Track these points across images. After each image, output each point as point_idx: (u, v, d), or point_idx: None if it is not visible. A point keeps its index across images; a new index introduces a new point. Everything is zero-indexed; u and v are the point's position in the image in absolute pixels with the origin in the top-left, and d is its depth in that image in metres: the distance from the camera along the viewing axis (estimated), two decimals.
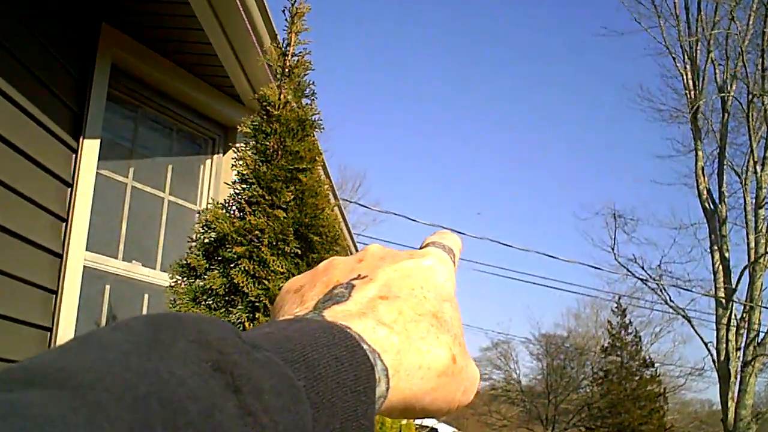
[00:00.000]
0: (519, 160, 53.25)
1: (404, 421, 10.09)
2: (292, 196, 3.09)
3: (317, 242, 3.11)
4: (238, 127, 3.41)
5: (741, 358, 18.31)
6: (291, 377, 0.29)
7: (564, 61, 52.73)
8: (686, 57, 20.33)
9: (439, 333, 0.40)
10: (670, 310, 21.30)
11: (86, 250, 3.48)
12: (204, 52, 3.91)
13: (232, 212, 3.17)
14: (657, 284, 20.97)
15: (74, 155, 3.44)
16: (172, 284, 3.12)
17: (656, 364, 29.11)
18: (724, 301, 18.85)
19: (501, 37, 53.31)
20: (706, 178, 20.02)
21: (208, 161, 4.64)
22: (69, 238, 3.35)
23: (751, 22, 18.88)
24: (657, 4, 20.46)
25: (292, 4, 3.43)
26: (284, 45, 3.40)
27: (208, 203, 3.84)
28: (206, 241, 3.14)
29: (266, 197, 3.08)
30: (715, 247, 19.45)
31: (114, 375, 0.23)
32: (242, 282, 2.92)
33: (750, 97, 19.00)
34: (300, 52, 3.39)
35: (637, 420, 26.89)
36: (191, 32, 3.73)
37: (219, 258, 3.09)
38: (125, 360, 0.24)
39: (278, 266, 2.97)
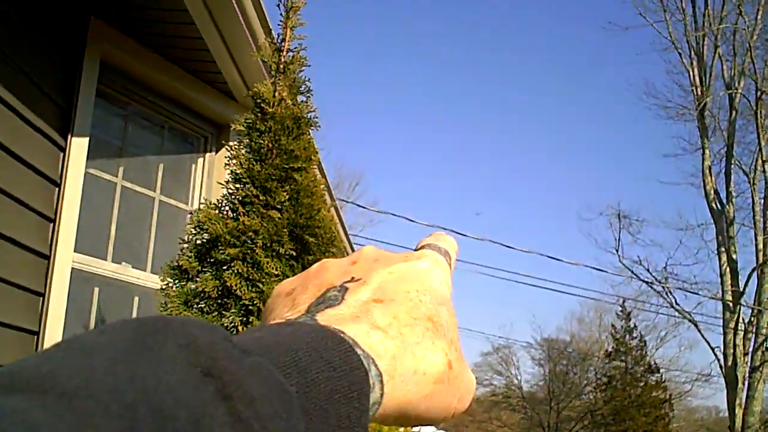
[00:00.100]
0: (520, 159, 53.31)
1: (401, 430, 10.08)
2: (287, 196, 3.09)
3: (313, 244, 3.11)
4: (232, 124, 3.41)
5: (749, 364, 18.33)
6: (282, 383, 0.29)
7: (566, 59, 52.81)
8: (693, 52, 20.37)
9: (435, 338, 0.40)
10: (676, 314, 21.35)
11: (74, 251, 3.47)
12: (196, 48, 3.91)
13: (225, 213, 3.16)
14: (662, 287, 21.02)
15: (62, 153, 3.43)
16: (163, 287, 3.11)
17: (662, 370, 29.13)
18: (731, 304, 18.87)
19: (503, 35, 53.37)
20: (713, 178, 20.05)
21: (200, 160, 4.64)
22: (56, 239, 3.34)
23: (759, 17, 18.94)
24: None
25: None
26: (279, 40, 3.40)
27: (200, 203, 3.84)
28: (198, 242, 3.14)
29: (260, 197, 3.08)
30: (723, 249, 19.48)
31: (100, 381, 0.23)
32: (235, 285, 2.92)
33: (758, 93, 19.04)
34: (295, 48, 3.39)
35: (642, 427, 26.90)
36: (183, 27, 3.73)
37: (211, 260, 3.09)
38: (112, 365, 0.24)
39: (273, 268, 2.96)
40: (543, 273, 60.82)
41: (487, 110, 52.90)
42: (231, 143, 3.36)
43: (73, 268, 3.48)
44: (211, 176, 4.58)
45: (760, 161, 19.13)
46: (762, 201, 19.34)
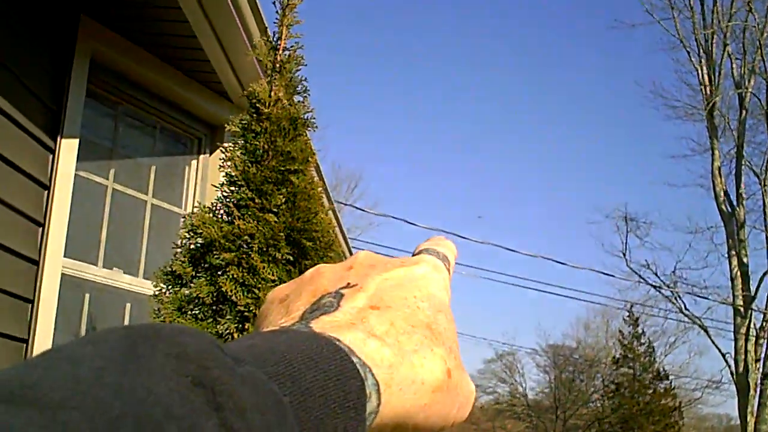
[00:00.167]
0: (524, 161, 53.33)
1: None
2: (283, 199, 3.09)
3: (310, 248, 3.11)
4: (226, 125, 3.42)
5: (761, 370, 18.33)
6: (276, 393, 0.29)
7: (570, 58, 52.88)
8: (701, 51, 20.42)
9: (434, 345, 0.40)
10: (686, 319, 21.36)
11: (64, 256, 3.47)
12: (189, 46, 3.92)
13: (219, 216, 3.16)
14: (671, 292, 21.03)
15: (51, 155, 3.43)
16: (156, 293, 3.11)
17: (671, 377, 29.11)
18: (742, 309, 18.87)
19: (505, 35, 53.43)
20: (723, 179, 20.07)
21: (194, 162, 4.64)
22: (46, 244, 3.34)
23: None
24: None
25: None
26: (275, 39, 3.41)
27: (194, 206, 3.84)
28: (192, 246, 3.14)
29: (256, 200, 3.08)
30: (733, 252, 19.48)
31: (86, 393, 0.23)
32: (231, 290, 2.92)
33: None
34: (291, 47, 3.39)
35: None
36: (176, 25, 3.73)
37: (206, 265, 3.09)
38: (98, 376, 0.24)
39: (269, 273, 2.96)
40: (548, 277, 60.70)
41: (491, 110, 52.97)
42: (226, 145, 3.36)
43: (62, 274, 3.47)
44: (205, 179, 4.58)
45: None
46: None
